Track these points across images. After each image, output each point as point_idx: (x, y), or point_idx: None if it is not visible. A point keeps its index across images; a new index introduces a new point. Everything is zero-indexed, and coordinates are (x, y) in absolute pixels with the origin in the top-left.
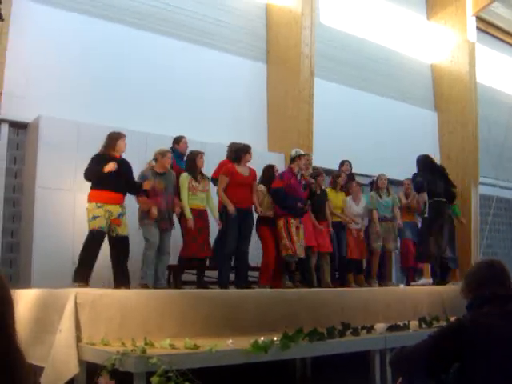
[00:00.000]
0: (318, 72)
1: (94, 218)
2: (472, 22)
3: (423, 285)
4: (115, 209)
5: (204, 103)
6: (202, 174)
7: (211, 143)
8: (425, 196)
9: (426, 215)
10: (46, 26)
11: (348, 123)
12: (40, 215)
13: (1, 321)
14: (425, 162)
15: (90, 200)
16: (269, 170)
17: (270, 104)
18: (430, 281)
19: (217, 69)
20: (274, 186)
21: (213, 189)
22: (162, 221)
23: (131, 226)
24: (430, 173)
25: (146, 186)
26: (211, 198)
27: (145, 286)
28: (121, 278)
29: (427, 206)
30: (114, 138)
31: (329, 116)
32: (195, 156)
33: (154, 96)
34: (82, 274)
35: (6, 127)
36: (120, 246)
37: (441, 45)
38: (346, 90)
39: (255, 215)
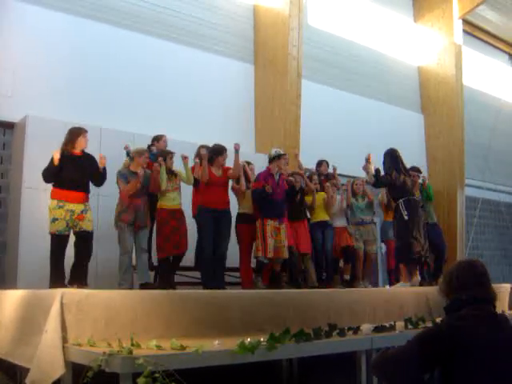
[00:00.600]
0: (306, 73)
1: (54, 220)
2: (459, 25)
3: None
4: (78, 207)
5: (191, 104)
6: (172, 172)
7: (197, 144)
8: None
9: (405, 216)
10: (35, 25)
11: (335, 125)
12: (26, 215)
13: None
14: (392, 156)
15: (51, 196)
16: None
17: (258, 105)
18: (408, 284)
19: (204, 70)
20: (253, 187)
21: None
22: (137, 220)
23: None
24: (396, 169)
25: (131, 186)
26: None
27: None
28: (78, 276)
29: (400, 205)
30: (74, 134)
31: (316, 117)
32: (165, 155)
33: (141, 96)
34: (55, 277)
35: None
36: (82, 241)
37: (428, 47)
38: (333, 92)
39: (234, 214)
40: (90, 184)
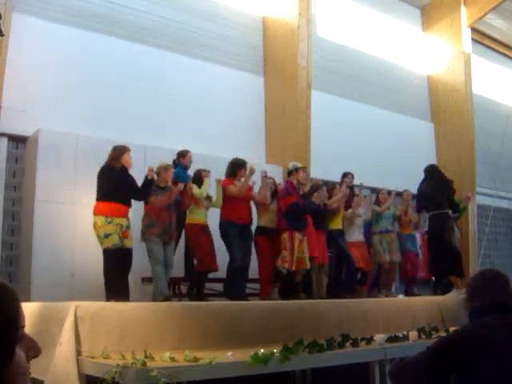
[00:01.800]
0: (315, 84)
1: (107, 235)
2: (467, 34)
3: None
4: (124, 221)
5: (202, 116)
6: (206, 193)
7: (209, 155)
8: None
9: (425, 229)
10: (46, 40)
11: (345, 135)
12: (39, 228)
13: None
14: (432, 172)
15: (96, 212)
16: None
17: (268, 116)
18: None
19: (214, 81)
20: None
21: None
22: (164, 234)
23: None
24: (435, 183)
25: (167, 197)
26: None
27: (165, 299)
28: (121, 291)
29: (428, 218)
30: (119, 152)
31: (326, 127)
32: (201, 173)
33: (152, 109)
34: (112, 290)
35: (5, 141)
36: (125, 259)
37: (437, 56)
38: (342, 102)
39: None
40: None
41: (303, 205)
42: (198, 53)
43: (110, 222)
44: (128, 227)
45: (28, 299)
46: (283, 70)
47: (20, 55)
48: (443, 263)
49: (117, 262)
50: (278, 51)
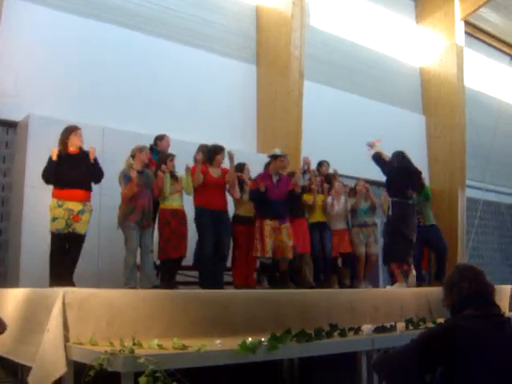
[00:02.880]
0: (308, 74)
1: (54, 219)
2: (460, 27)
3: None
4: (76, 207)
5: (194, 104)
6: (173, 176)
7: (199, 143)
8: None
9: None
10: (38, 25)
11: (336, 125)
12: (28, 214)
13: None
14: (397, 158)
15: (52, 196)
16: (240, 168)
17: (260, 105)
18: (404, 284)
19: (206, 70)
20: (250, 188)
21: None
22: (143, 219)
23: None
24: (397, 170)
25: (128, 190)
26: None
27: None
28: (60, 275)
29: (391, 204)
30: (66, 132)
31: (318, 118)
32: (166, 158)
33: (144, 96)
34: (56, 275)
35: None
36: (73, 242)
37: (429, 49)
38: (334, 92)
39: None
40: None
41: (262, 192)
42: (190, 40)
43: (60, 206)
44: (81, 212)
45: (17, 285)
46: (276, 59)
47: (11, 40)
48: (393, 250)
49: (60, 247)
50: (271, 40)
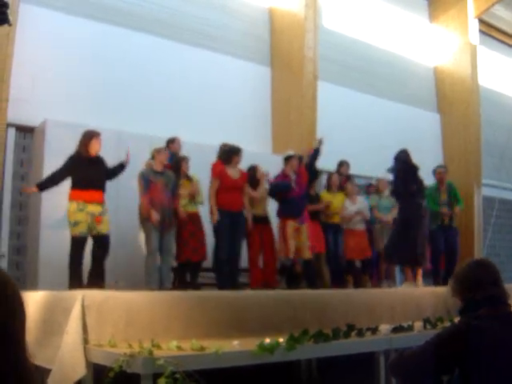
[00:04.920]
0: (321, 75)
1: (76, 224)
2: (474, 25)
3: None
4: (96, 209)
5: (208, 106)
6: (187, 177)
7: (215, 146)
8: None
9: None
10: (52, 30)
11: (351, 126)
12: (46, 218)
13: (12, 334)
14: (401, 158)
15: (70, 199)
16: (253, 170)
17: (274, 107)
18: (413, 284)
19: (221, 72)
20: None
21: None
22: (164, 220)
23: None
24: (401, 171)
25: (144, 208)
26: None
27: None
28: (96, 277)
29: (399, 206)
30: (89, 136)
31: (332, 119)
32: (180, 161)
33: (159, 100)
34: (75, 278)
35: (12, 131)
36: (100, 245)
37: (443, 47)
38: (349, 93)
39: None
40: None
41: (288, 185)
42: (204, 43)
43: (81, 210)
44: (102, 213)
45: (35, 288)
46: (289, 61)
47: (26, 46)
48: (393, 251)
49: (81, 251)
50: (285, 42)
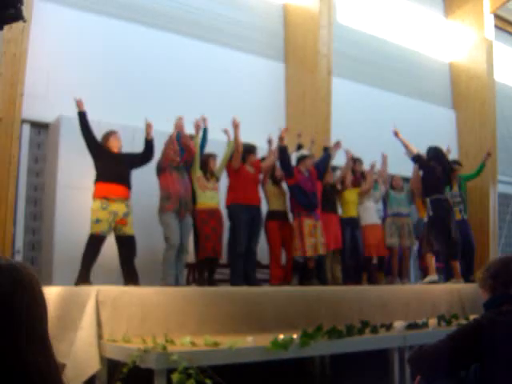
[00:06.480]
0: (336, 71)
1: (97, 221)
2: (490, 20)
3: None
4: (120, 208)
5: (222, 102)
6: (212, 173)
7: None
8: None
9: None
10: (67, 27)
11: (366, 122)
12: (61, 214)
13: (38, 327)
14: (434, 153)
15: (94, 196)
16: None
17: (288, 103)
18: (436, 277)
19: (235, 68)
20: (289, 184)
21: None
22: (180, 208)
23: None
24: (437, 167)
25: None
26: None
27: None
28: (130, 277)
29: (430, 203)
30: (107, 135)
31: (346, 115)
32: (208, 158)
33: (174, 95)
34: (84, 275)
35: (27, 127)
36: (127, 246)
37: (459, 43)
38: (363, 89)
39: (264, 211)
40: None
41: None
42: (218, 39)
43: (104, 209)
44: (126, 214)
45: (50, 284)
46: (304, 56)
47: (41, 42)
48: (441, 248)
49: (97, 249)
50: (299, 38)
